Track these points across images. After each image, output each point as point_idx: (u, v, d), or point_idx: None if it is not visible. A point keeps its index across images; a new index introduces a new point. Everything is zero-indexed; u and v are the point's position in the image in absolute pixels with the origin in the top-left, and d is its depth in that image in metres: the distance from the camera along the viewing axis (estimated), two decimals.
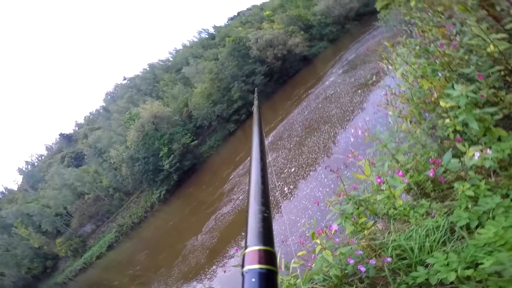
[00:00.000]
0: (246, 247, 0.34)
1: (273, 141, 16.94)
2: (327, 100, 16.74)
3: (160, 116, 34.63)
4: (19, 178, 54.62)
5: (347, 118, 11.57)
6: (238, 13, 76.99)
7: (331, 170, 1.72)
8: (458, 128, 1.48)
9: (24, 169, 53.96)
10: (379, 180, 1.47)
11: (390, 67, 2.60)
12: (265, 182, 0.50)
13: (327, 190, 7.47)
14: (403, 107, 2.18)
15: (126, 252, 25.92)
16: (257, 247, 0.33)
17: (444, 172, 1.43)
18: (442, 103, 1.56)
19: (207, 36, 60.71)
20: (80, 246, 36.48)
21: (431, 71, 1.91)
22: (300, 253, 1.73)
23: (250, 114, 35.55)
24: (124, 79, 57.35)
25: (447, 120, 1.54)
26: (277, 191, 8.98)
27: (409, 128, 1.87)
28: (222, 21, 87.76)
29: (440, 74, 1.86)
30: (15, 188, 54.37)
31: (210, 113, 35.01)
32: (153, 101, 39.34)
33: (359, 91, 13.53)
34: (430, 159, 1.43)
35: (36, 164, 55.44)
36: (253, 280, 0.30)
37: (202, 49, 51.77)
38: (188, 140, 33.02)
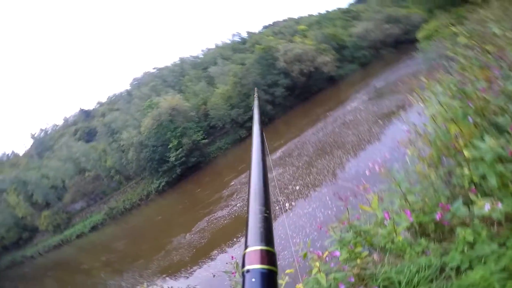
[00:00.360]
0: (246, 247, 0.34)
1: (282, 157, 16.84)
2: (345, 125, 16.57)
3: (178, 109, 35.41)
4: (29, 143, 56.41)
5: (362, 147, 11.35)
6: (273, 23, 78.65)
7: (339, 198, 1.77)
8: (475, 179, 1.48)
9: (36, 135, 55.82)
10: (386, 216, 1.50)
11: (420, 104, 2.51)
12: (265, 182, 0.50)
13: (329, 212, 7.36)
14: (423, 148, 2.12)
15: (108, 236, 25.94)
16: (257, 247, 0.33)
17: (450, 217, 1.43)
18: (466, 153, 1.55)
19: (239, 40, 62.28)
20: (65, 222, 35.67)
21: (462, 114, 1.85)
22: (288, 271, 1.72)
23: (264, 124, 36.01)
24: (154, 68, 59.64)
25: (466, 171, 1.54)
26: (277, 205, 8.94)
27: (425, 171, 1.86)
28: (256, 28, 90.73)
29: (470, 120, 1.79)
30: (22, 152, 56.19)
31: (225, 115, 35.50)
32: (175, 93, 40.40)
33: (380, 121, 13.30)
34: (440, 204, 1.46)
35: (49, 132, 57.31)
36: (254, 280, 0.29)
37: (231, 51, 53.05)
38: (199, 137, 33.45)
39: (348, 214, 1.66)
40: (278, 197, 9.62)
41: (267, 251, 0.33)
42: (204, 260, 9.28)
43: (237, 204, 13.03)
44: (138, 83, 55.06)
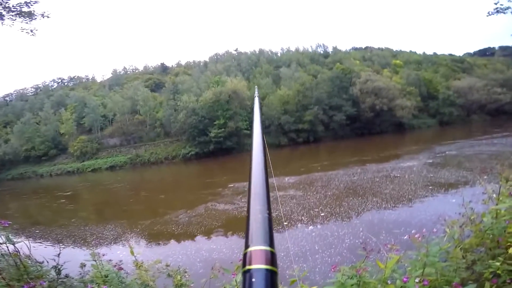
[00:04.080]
0: (247, 247, 0.33)
1: (300, 181, 15.72)
2: (388, 178, 14.53)
3: (238, 94, 36.61)
4: (108, 76, 66.51)
5: (400, 203, 10.20)
6: (366, 47, 74.01)
7: (363, 247, 1.84)
8: (499, 272, 1.58)
9: (117, 71, 65.53)
10: (405, 279, 1.57)
11: (490, 190, 2.26)
12: (266, 182, 0.49)
13: (356, 241, 7.24)
14: (466, 232, 2.08)
15: (116, 182, 26.70)
16: (258, 247, 0.33)
17: None
18: (511, 251, 1.60)
19: (322, 52, 60.64)
20: (92, 152, 38.52)
21: None
22: None
23: (307, 143, 34.35)
24: (236, 50, 63.06)
25: (498, 263, 1.59)
26: (299, 222, 9.07)
27: (456, 253, 1.84)
28: (345, 46, 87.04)
29: None
30: (99, 80, 66.54)
31: (275, 117, 35.06)
32: (242, 79, 41.87)
33: (430, 188, 11.49)
34: (454, 283, 1.54)
35: (128, 72, 66.65)
36: (254, 280, 0.29)
37: (309, 60, 51.98)
38: (243, 126, 34.01)
39: (363, 264, 1.69)
40: (301, 217, 9.54)
41: (267, 251, 0.32)
42: (185, 245, 8.82)
43: (240, 205, 12.53)
44: (216, 59, 59.04)
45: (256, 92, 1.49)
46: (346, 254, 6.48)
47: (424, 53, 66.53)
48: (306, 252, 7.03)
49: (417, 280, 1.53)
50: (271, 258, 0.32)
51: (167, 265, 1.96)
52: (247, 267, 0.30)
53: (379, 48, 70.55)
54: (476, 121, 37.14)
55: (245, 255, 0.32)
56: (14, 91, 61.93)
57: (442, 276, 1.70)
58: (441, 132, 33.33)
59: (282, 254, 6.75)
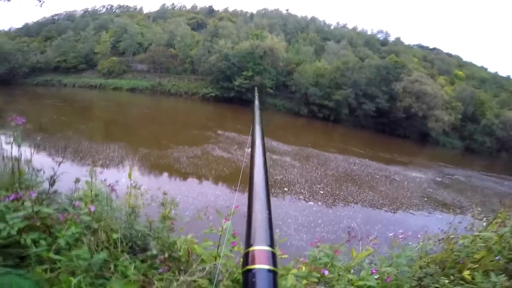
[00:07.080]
0: (247, 246, 0.33)
1: (298, 152, 15.82)
2: (387, 179, 14.45)
3: (274, 52, 35.27)
4: (155, 8, 65.25)
5: (393, 204, 10.56)
6: (434, 48, 65.97)
7: (348, 232, 1.88)
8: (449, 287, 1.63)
9: (165, 6, 64.50)
10: (374, 271, 1.65)
11: (478, 219, 2.41)
12: (266, 182, 0.50)
13: (353, 225, 7.63)
14: (440, 250, 2.14)
15: (133, 103, 27.51)
16: (258, 247, 0.32)
17: None
18: (465, 274, 1.66)
19: (381, 38, 54.77)
20: (118, 72, 39.83)
21: (497, 251, 1.79)
22: None
23: (327, 120, 33.28)
24: (286, 10, 58.75)
25: (446, 281, 1.64)
26: (301, 195, 9.32)
27: (418, 263, 1.97)
28: (410, 41, 77.28)
29: (497, 258, 1.80)
30: (145, 11, 65.54)
31: (303, 86, 33.97)
32: (283, 40, 39.69)
33: (425, 199, 11.69)
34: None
35: (175, 8, 65.42)
36: (254, 280, 0.29)
37: (362, 42, 47.39)
38: (269, 85, 33.61)
39: (341, 247, 1.76)
40: (303, 190, 9.66)
41: (267, 251, 0.32)
42: (189, 184, 8.87)
43: (238, 157, 12.80)
44: (263, 13, 55.56)
45: (256, 94, 1.43)
46: (340, 234, 6.70)
47: (496, 72, 58.06)
48: (310, 223, 7.33)
49: (388, 280, 1.57)
50: (272, 258, 0.31)
51: (165, 193, 1.88)
52: (248, 266, 0.30)
53: (447, 53, 62.49)
54: (503, 159, 33.46)
55: (246, 254, 0.32)
56: (64, 12, 61.90)
57: (397, 280, 1.75)
58: (462, 157, 30.90)
59: (290, 221, 7.09)
